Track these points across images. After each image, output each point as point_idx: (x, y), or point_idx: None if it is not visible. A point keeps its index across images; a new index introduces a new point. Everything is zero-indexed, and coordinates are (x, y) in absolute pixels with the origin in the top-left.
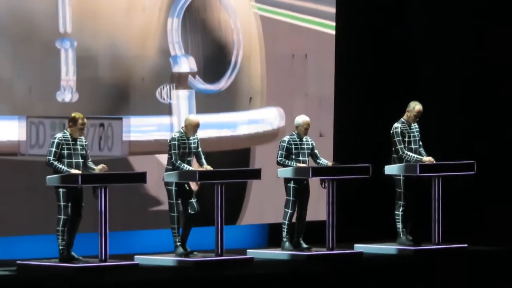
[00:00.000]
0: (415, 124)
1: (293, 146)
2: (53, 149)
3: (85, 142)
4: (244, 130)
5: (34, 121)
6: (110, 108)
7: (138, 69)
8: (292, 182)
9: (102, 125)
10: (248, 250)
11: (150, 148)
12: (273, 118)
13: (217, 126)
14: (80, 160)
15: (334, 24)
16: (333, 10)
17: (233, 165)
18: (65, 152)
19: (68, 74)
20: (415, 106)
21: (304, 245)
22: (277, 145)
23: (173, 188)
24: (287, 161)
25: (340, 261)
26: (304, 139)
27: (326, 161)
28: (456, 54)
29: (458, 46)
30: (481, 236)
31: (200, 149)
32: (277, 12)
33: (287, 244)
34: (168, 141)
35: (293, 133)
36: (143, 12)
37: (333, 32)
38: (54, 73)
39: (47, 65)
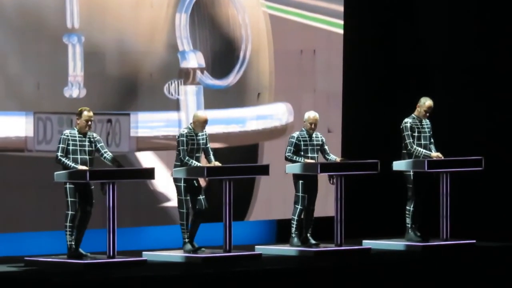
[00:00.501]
0: (427, 120)
1: (301, 142)
2: (61, 145)
3: (96, 137)
4: (252, 125)
5: (42, 117)
6: (118, 103)
7: (146, 65)
8: (301, 178)
9: (109, 121)
10: (256, 246)
11: (158, 144)
12: (282, 114)
13: (226, 121)
14: (87, 157)
15: (342, 22)
16: (341, 8)
17: (241, 161)
18: (71, 148)
19: (75, 69)
20: (426, 102)
21: (312, 241)
22: (286, 141)
23: (182, 184)
24: (295, 157)
25: (348, 257)
26: (314, 135)
27: (335, 157)
28: (466, 50)
29: (468, 41)
30: (490, 232)
31: (208, 145)
32: (286, 10)
33: (295, 240)
34: (177, 137)
35: (303, 129)
36: (151, 7)
37: (341, 31)
38: (62, 69)
39: (55, 61)
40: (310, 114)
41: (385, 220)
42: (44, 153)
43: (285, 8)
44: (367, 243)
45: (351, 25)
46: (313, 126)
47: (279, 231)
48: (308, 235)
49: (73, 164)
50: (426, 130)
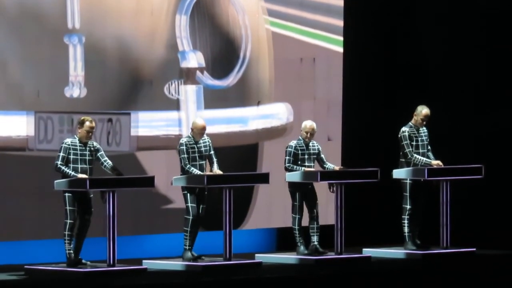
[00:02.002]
0: (424, 128)
1: (299, 152)
2: (61, 154)
3: (96, 146)
4: (253, 125)
5: (43, 116)
6: (118, 103)
7: (146, 64)
8: (297, 187)
9: (110, 120)
10: (257, 254)
11: (158, 143)
12: (282, 113)
13: (226, 121)
14: (88, 166)
15: (341, 39)
16: (341, 22)
17: (241, 160)
18: (71, 157)
19: (76, 69)
20: (422, 110)
21: (320, 249)
22: (286, 141)
23: (187, 192)
24: (295, 167)
25: (348, 265)
26: (310, 144)
27: (332, 165)
28: (466, 58)
29: (467, 50)
30: (490, 240)
31: (212, 152)
32: (287, 26)
33: (301, 248)
34: (177, 146)
35: (299, 137)
36: (151, 10)
37: (341, 49)
38: (62, 69)
39: (55, 61)
40: (307, 123)
41: (385, 228)
42: (44, 153)
43: (286, 23)
44: (367, 251)
45: (351, 33)
46: (309, 135)
47: (279, 239)
48: (316, 243)
49: (72, 173)
50: (424, 138)
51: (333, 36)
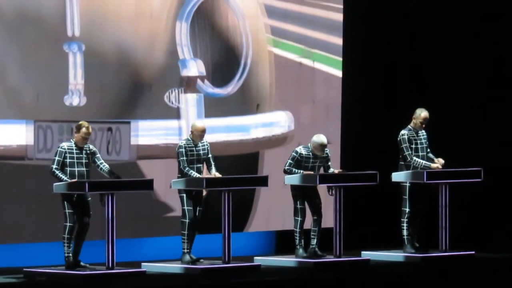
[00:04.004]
0: (423, 131)
1: (303, 159)
2: (57, 158)
3: (92, 149)
4: (253, 134)
5: (42, 125)
6: (118, 112)
7: (146, 73)
8: (298, 189)
9: (110, 129)
10: (255, 257)
11: (158, 152)
12: (283, 122)
13: (227, 130)
14: (84, 169)
15: (340, 59)
16: (339, 39)
17: (242, 169)
18: (68, 161)
19: (76, 78)
20: (421, 113)
21: (319, 252)
22: (286, 150)
23: (184, 194)
24: (294, 170)
25: (347, 268)
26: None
27: (333, 169)
28: (465, 61)
29: (466, 53)
30: (489, 243)
31: (210, 155)
32: (288, 45)
33: (300, 251)
34: (176, 149)
35: (309, 146)
36: (151, 16)
37: (339, 73)
38: (62, 77)
39: (55, 69)
40: (323, 141)
41: (384, 231)
42: (44, 162)
43: (288, 42)
44: (366, 255)
45: (351, 35)
46: (319, 151)
47: (278, 242)
48: (315, 246)
49: (65, 178)
50: (423, 141)
51: (332, 56)
